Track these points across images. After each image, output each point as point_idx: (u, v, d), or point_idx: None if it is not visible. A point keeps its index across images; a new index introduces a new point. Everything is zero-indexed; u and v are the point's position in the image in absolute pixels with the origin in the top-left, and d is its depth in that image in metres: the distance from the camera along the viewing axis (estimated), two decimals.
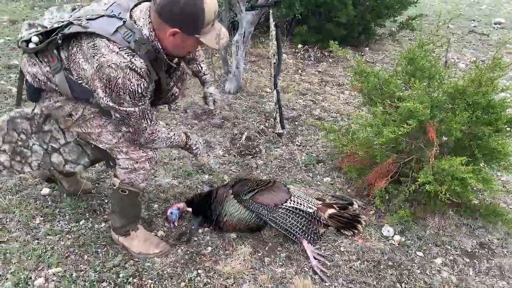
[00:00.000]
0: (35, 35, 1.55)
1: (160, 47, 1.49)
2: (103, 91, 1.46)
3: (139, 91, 1.46)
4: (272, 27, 2.78)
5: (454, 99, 2.01)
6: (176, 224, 2.09)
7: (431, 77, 2.21)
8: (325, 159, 2.70)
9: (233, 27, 4.45)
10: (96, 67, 1.42)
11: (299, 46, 4.64)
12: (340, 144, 2.40)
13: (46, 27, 1.60)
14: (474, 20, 6.04)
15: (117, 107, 1.49)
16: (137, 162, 1.73)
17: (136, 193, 1.81)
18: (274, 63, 2.80)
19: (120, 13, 1.48)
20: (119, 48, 1.42)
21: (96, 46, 1.43)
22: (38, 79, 1.62)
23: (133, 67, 1.42)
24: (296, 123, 3.16)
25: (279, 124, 2.80)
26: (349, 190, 2.38)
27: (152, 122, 1.61)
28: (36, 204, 2.24)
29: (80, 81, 1.55)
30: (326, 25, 4.49)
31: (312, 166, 2.63)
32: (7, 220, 2.06)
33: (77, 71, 1.53)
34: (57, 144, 1.80)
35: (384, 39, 4.99)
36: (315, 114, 3.28)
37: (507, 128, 1.94)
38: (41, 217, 2.10)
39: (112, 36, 1.41)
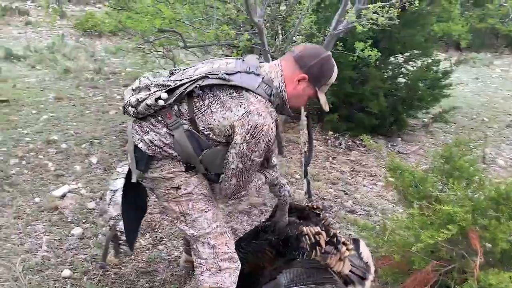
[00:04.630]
0: (164, 91, 1.54)
1: (286, 98, 1.61)
2: (242, 138, 1.49)
3: (271, 141, 1.55)
4: (304, 117, 2.81)
5: (498, 204, 1.89)
6: None
7: (470, 178, 2.12)
8: None
9: None
10: (243, 114, 1.49)
11: (330, 133, 4.68)
12: (374, 244, 2.26)
13: (165, 85, 1.58)
14: (510, 114, 5.97)
15: (248, 154, 1.51)
16: (221, 260, 1.66)
17: None
18: (305, 151, 2.79)
19: (255, 69, 1.58)
20: (264, 100, 1.53)
21: (243, 97, 1.51)
22: (155, 145, 1.59)
23: (275, 118, 1.56)
24: (327, 214, 3.05)
25: None
26: None
27: (257, 177, 1.69)
28: (55, 286, 2.18)
29: (205, 131, 1.55)
30: (357, 114, 4.55)
31: None
32: None
33: (206, 121, 1.54)
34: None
35: (417, 130, 4.97)
36: (347, 206, 3.17)
37: None
38: None
39: (256, 89, 1.53)
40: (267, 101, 1.54)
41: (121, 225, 1.69)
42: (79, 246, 2.53)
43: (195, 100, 1.55)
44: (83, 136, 4.09)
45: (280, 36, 3.98)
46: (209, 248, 1.67)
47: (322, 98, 1.65)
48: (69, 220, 2.77)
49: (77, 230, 2.65)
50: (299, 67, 1.58)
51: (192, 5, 3.24)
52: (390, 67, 4.84)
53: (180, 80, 1.57)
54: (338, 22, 2.79)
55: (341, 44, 3.39)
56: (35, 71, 6.54)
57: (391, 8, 2.25)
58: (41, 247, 2.47)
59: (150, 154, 1.59)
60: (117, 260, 2.39)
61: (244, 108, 1.50)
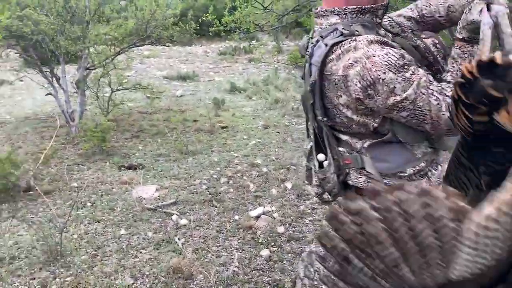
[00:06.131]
0: (318, 153, 1.42)
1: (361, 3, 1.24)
2: (369, 98, 1.15)
3: (393, 58, 1.11)
4: None
5: None
6: None
7: None
8: None
9: None
10: (344, 84, 1.17)
11: None
12: None
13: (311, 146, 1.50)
14: None
15: (394, 99, 1.11)
16: None
17: None
18: None
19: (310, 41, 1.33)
20: (327, 49, 1.19)
21: (329, 77, 1.22)
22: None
23: (364, 39, 1.15)
24: None
25: None
26: None
27: (435, 90, 1.10)
28: None
29: (362, 129, 1.28)
30: None
31: None
32: None
33: (351, 128, 1.29)
34: None
35: None
36: None
37: None
38: None
39: (323, 54, 1.20)
40: (334, 44, 1.18)
41: None
42: (265, 268, 2.64)
43: (334, 128, 1.34)
44: (282, 162, 4.36)
45: None
46: None
47: None
48: (260, 241, 2.94)
49: (265, 252, 2.79)
50: None
51: None
52: None
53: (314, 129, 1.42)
54: None
55: None
56: (251, 101, 7.43)
57: None
58: (233, 262, 2.69)
59: None
60: None
61: (338, 79, 1.18)
